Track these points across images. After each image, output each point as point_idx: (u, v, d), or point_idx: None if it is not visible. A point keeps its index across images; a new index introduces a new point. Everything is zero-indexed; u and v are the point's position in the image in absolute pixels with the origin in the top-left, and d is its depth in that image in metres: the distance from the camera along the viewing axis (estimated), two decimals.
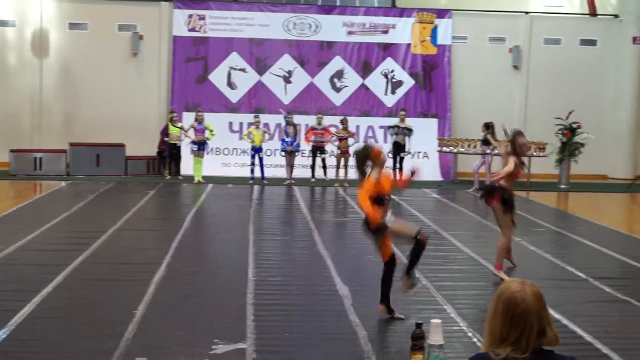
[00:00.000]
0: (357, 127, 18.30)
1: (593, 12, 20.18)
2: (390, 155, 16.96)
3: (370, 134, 18.78)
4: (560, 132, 17.49)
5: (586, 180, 18.62)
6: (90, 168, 16.98)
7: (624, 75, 19.62)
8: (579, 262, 8.85)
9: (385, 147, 17.96)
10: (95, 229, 10.06)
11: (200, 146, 16.44)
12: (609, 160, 19.69)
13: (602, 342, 5.81)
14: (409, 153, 17.12)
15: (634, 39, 19.48)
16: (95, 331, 5.77)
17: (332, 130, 16.93)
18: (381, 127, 18.59)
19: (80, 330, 5.82)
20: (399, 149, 16.85)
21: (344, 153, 16.37)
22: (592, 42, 19.85)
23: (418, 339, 4.21)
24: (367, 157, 6.52)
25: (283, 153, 16.92)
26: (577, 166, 17.71)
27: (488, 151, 16.16)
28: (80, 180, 16.18)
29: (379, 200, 6.53)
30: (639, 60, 19.56)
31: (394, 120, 17.57)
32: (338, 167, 16.44)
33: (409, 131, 16.86)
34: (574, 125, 17.47)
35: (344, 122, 16.64)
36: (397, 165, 16.92)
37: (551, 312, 5.85)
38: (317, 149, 16.65)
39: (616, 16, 19.91)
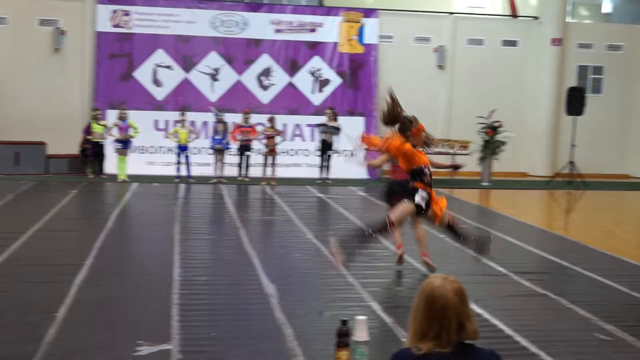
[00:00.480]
0: (285, 125, 18.32)
1: (514, 14, 20.75)
2: (318, 154, 17.08)
3: (297, 132, 18.83)
4: (482, 130, 17.90)
5: (507, 178, 19.15)
6: (9, 167, 16.48)
7: (544, 75, 20.24)
8: (500, 257, 9.06)
9: (312, 145, 18.12)
10: (14, 230, 9.77)
11: (124, 144, 16.16)
12: (529, 158, 20.30)
13: (521, 335, 5.99)
14: (337, 152, 17.21)
15: (553, 40, 20.12)
16: (13, 335, 5.61)
17: (259, 128, 16.90)
18: (309, 125, 18.66)
19: None
20: (326, 147, 16.93)
21: (271, 151, 16.36)
22: (513, 43, 20.41)
23: (343, 336, 4.24)
24: (409, 128, 6.79)
25: (211, 150, 16.79)
26: (499, 164, 18.18)
27: None
28: None
29: (419, 172, 7.06)
30: (557, 60, 20.22)
31: (322, 119, 17.63)
32: (265, 165, 16.40)
33: (335, 130, 16.92)
34: (496, 124, 17.92)
35: (271, 120, 16.63)
36: (324, 163, 17.00)
37: (473, 306, 6.01)
38: (245, 147, 16.58)
39: (536, 18, 20.53)
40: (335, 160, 17.69)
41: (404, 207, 7.33)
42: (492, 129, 17.86)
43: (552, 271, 8.69)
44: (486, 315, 6.51)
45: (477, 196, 15.98)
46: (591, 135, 20.08)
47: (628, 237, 11.40)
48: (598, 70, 20.87)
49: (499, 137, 17.89)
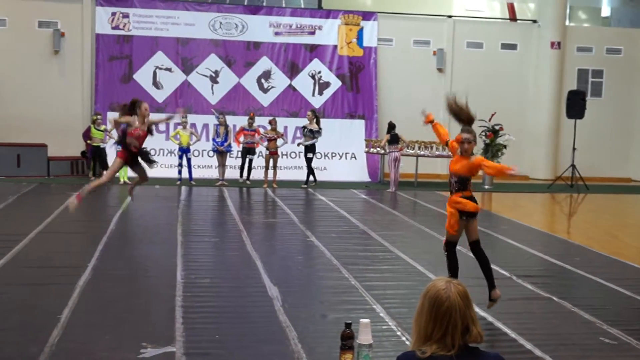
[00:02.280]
0: (285, 127, 18.33)
1: (513, 17, 20.77)
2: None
3: (298, 134, 18.82)
4: (483, 133, 17.91)
5: (509, 181, 19.14)
6: (11, 169, 16.48)
7: (544, 79, 20.27)
8: (503, 260, 9.08)
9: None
10: (16, 232, 9.76)
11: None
12: (530, 161, 20.31)
13: (525, 338, 5.98)
14: (314, 154, 16.78)
15: (552, 44, 20.15)
16: (18, 337, 5.59)
17: (261, 131, 16.88)
18: (297, 127, 18.61)
19: (3, 336, 5.62)
20: (306, 150, 16.66)
21: (272, 154, 16.32)
22: (512, 46, 20.44)
23: (347, 339, 4.23)
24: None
25: (212, 153, 16.78)
26: None
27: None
28: (0, 181, 15.66)
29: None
30: (557, 63, 20.24)
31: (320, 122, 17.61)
32: (267, 168, 16.37)
33: (311, 132, 16.58)
34: (497, 127, 17.93)
35: (272, 122, 16.58)
36: (307, 165, 16.70)
37: (477, 310, 6.01)
38: (248, 150, 16.55)
39: (535, 21, 20.55)
40: (337, 162, 17.69)
41: None
42: (493, 132, 17.86)
43: (556, 274, 8.68)
44: (490, 318, 6.50)
45: (478, 199, 15.85)
46: (592, 138, 20.11)
47: (631, 240, 11.39)
48: (598, 73, 20.89)
49: (499, 140, 17.90)
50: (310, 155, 16.57)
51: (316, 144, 16.63)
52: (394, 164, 16.49)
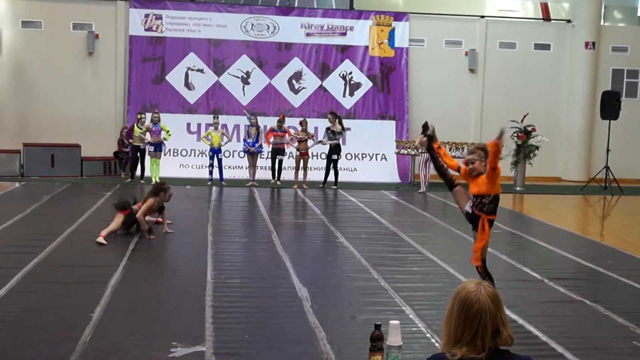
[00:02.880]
0: (316, 128, 18.34)
1: (547, 17, 20.56)
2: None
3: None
4: (515, 134, 17.75)
5: (541, 183, 18.96)
6: (45, 169, 16.72)
7: (577, 79, 20.03)
8: (535, 263, 8.99)
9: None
10: (50, 231, 9.90)
11: (157, 147, 16.26)
12: (562, 162, 20.09)
13: (557, 341, 5.91)
14: (339, 155, 16.71)
15: (587, 44, 19.90)
16: (50, 335, 5.67)
17: (292, 132, 16.92)
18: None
19: (36, 334, 5.71)
20: (330, 151, 16.67)
21: (303, 155, 16.35)
22: (546, 47, 20.22)
23: (377, 340, 4.22)
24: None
25: (243, 154, 16.86)
26: (532, 169, 18.01)
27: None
28: (35, 181, 15.91)
29: None
30: (591, 64, 19.99)
31: (350, 122, 17.62)
32: (297, 168, 16.40)
33: (333, 134, 16.53)
34: (529, 128, 17.76)
35: (303, 123, 16.60)
36: (330, 167, 16.64)
37: (507, 312, 5.95)
38: (278, 151, 16.60)
39: (569, 21, 20.32)
40: (367, 163, 17.65)
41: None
42: (525, 134, 17.69)
43: (588, 277, 8.56)
44: (521, 321, 6.44)
45: (510, 201, 15.83)
46: (627, 139, 19.82)
47: None
48: (633, 73, 20.58)
49: (532, 141, 17.73)
50: (335, 156, 16.56)
51: (342, 145, 16.65)
52: (425, 165, 16.44)
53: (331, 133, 16.53)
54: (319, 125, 18.63)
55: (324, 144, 16.73)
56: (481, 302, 2.66)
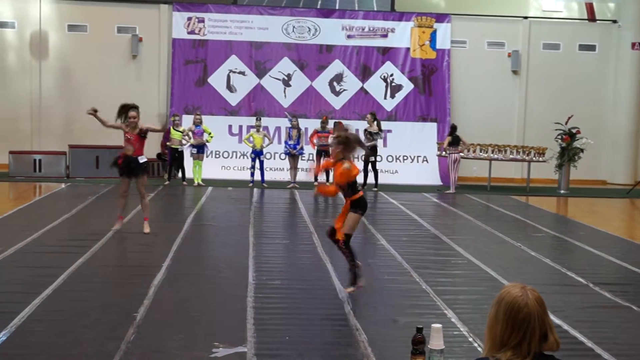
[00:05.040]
0: (357, 130, 18.24)
1: (592, 18, 20.23)
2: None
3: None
4: (559, 137, 17.50)
5: (585, 186, 18.65)
6: (90, 170, 16.99)
7: (623, 80, 19.66)
8: (579, 267, 8.85)
9: (384, 150, 18.06)
10: (94, 231, 10.05)
11: (199, 149, 16.41)
12: (608, 165, 19.73)
13: (602, 347, 5.81)
14: (376, 156, 16.71)
15: (633, 45, 19.52)
16: (95, 334, 5.76)
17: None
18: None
19: (81, 333, 5.80)
20: (368, 153, 16.57)
21: None
22: (591, 47, 19.89)
23: (419, 344, 4.18)
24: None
25: (284, 156, 16.91)
26: (577, 171, 17.73)
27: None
28: (80, 182, 16.18)
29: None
30: (638, 65, 19.59)
31: (391, 125, 17.53)
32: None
33: (370, 135, 16.52)
34: (574, 131, 17.49)
35: (340, 125, 16.56)
36: (368, 168, 16.60)
37: (552, 317, 5.85)
38: (322, 153, 16.60)
39: (615, 21, 19.96)
40: (408, 165, 17.56)
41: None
42: (570, 136, 17.43)
43: (635, 282, 8.40)
44: (565, 326, 6.34)
45: (554, 204, 15.62)
46: None
47: None
48: None
49: (576, 143, 17.46)
50: (372, 158, 16.54)
51: (380, 146, 16.63)
52: (453, 166, 16.39)
53: (368, 134, 16.53)
54: (360, 127, 18.55)
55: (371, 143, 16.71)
56: (529, 307, 2.63)
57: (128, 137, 10.40)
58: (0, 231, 10.12)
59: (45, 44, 18.44)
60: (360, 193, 7.38)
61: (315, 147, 16.67)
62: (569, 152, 17.41)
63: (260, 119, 16.83)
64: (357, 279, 7.35)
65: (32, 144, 18.18)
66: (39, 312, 6.29)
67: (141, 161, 10.30)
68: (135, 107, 10.62)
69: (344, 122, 17.08)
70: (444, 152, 17.27)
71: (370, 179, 16.57)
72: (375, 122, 16.60)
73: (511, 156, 17.49)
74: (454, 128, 16.71)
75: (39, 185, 15.90)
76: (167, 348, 5.51)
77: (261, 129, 16.64)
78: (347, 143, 7.29)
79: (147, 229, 10.23)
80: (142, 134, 10.38)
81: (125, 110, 10.52)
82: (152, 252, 9.02)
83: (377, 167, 16.71)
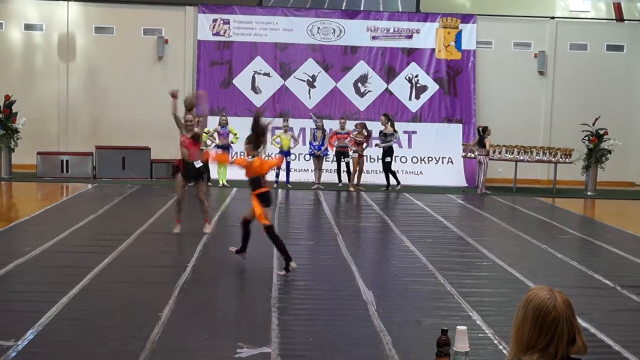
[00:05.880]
0: (371, 131, 18.19)
1: (619, 18, 19.99)
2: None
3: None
4: (586, 138, 17.33)
5: (613, 188, 18.44)
6: (116, 171, 17.13)
7: None
8: (607, 270, 8.75)
9: (409, 152, 18.01)
10: (121, 232, 10.13)
11: (225, 150, 16.46)
12: (636, 167, 19.49)
13: (630, 351, 5.74)
14: (392, 157, 16.72)
15: None
16: (121, 333, 5.81)
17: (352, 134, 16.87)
18: (405, 132, 18.52)
19: (107, 332, 5.85)
20: (383, 154, 16.62)
21: (359, 157, 16.33)
22: (619, 48, 19.66)
23: (443, 346, 4.16)
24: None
25: (308, 157, 16.92)
26: (604, 173, 17.54)
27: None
28: (106, 183, 16.32)
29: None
30: None
31: (416, 126, 17.45)
32: (354, 170, 16.33)
33: (385, 136, 16.53)
34: (601, 132, 17.31)
35: (358, 126, 16.57)
36: (386, 168, 16.58)
37: (579, 320, 5.78)
38: (341, 154, 16.61)
39: None
40: (433, 167, 17.48)
41: None
42: (597, 137, 17.25)
43: None
44: (592, 329, 6.27)
45: (581, 206, 15.46)
46: None
47: None
48: None
49: (604, 145, 17.27)
50: (388, 159, 16.54)
51: (404, 147, 16.62)
52: (478, 167, 16.37)
53: (383, 135, 16.54)
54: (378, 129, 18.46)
55: (380, 147, 16.73)
56: (558, 310, 2.62)
57: (183, 139, 10.60)
58: (28, 231, 10.25)
59: (72, 46, 18.64)
60: (265, 189, 8.09)
61: (334, 148, 16.67)
62: (596, 154, 17.24)
63: (287, 120, 16.86)
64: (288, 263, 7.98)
65: (59, 145, 18.39)
66: (65, 311, 6.35)
67: (197, 166, 10.49)
68: (190, 111, 10.93)
69: (368, 123, 17.13)
70: (469, 154, 17.20)
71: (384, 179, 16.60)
72: (390, 124, 16.61)
73: (537, 157, 17.35)
74: (482, 130, 16.61)
75: (66, 185, 16.06)
76: (191, 348, 5.54)
77: (289, 130, 16.65)
78: (255, 141, 8.23)
79: (208, 229, 10.47)
80: (196, 138, 10.58)
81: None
82: (177, 253, 9.08)
83: (400, 169, 16.68)
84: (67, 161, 17.24)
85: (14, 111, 16.89)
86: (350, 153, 16.50)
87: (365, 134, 16.54)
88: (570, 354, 2.65)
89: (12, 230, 10.31)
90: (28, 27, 18.63)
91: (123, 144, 17.69)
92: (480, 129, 16.80)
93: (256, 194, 8.05)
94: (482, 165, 16.42)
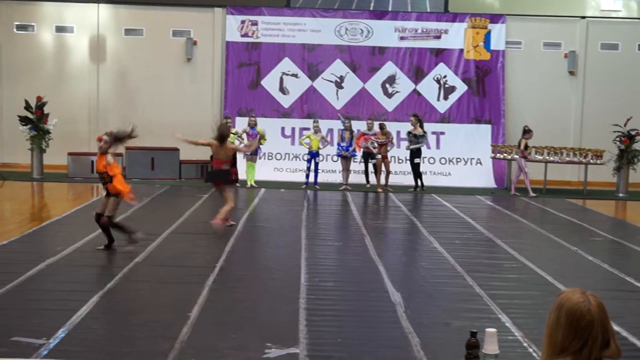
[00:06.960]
0: (398, 132, 18.14)
1: None
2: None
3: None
4: (618, 139, 17.11)
5: None
6: (146, 171, 17.27)
7: None
8: (638, 272, 8.63)
9: (437, 153, 17.93)
10: (150, 232, 10.19)
11: (253, 151, 16.51)
12: None
13: None
14: (421, 158, 16.70)
15: None
16: (150, 332, 5.85)
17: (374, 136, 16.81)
18: (433, 132, 18.43)
19: (136, 331, 5.90)
20: (412, 155, 16.56)
21: (383, 158, 16.27)
22: None
23: (473, 348, 4.13)
24: None
25: (336, 158, 16.92)
26: (636, 174, 17.30)
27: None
28: (136, 184, 16.41)
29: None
30: None
31: (445, 126, 17.36)
32: (380, 172, 16.26)
33: (415, 137, 16.49)
34: (633, 133, 17.08)
35: (382, 127, 16.51)
36: (413, 171, 16.54)
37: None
38: (369, 155, 16.57)
39: None
40: (461, 168, 17.38)
41: None
42: (629, 138, 17.02)
43: None
44: (625, 333, 6.19)
45: (612, 208, 15.26)
46: None
47: None
48: None
49: (636, 146, 17.04)
50: (417, 160, 16.48)
51: (432, 148, 16.54)
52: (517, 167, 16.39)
53: (412, 136, 16.47)
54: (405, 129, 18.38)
55: (409, 149, 16.66)
56: (592, 314, 2.59)
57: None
58: (59, 231, 10.38)
59: (102, 48, 18.84)
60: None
61: (361, 149, 16.62)
62: (627, 155, 17.02)
63: (317, 121, 16.86)
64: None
65: (90, 146, 18.54)
66: (95, 310, 6.42)
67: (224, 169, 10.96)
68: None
69: (392, 124, 17.07)
70: (498, 154, 17.13)
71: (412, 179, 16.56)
72: (419, 124, 16.55)
73: (567, 158, 17.17)
74: (523, 129, 16.54)
75: (96, 186, 16.16)
76: (220, 348, 5.57)
77: (319, 131, 16.65)
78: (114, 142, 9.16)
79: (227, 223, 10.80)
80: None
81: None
82: (206, 253, 9.11)
83: (429, 169, 16.60)
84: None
85: (45, 112, 17.11)
86: (376, 154, 16.45)
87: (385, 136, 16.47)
88: (603, 357, 2.62)
89: (43, 230, 10.45)
90: (59, 29, 18.87)
91: (152, 145, 17.81)
92: (525, 128, 16.60)
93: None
94: (520, 166, 16.29)
